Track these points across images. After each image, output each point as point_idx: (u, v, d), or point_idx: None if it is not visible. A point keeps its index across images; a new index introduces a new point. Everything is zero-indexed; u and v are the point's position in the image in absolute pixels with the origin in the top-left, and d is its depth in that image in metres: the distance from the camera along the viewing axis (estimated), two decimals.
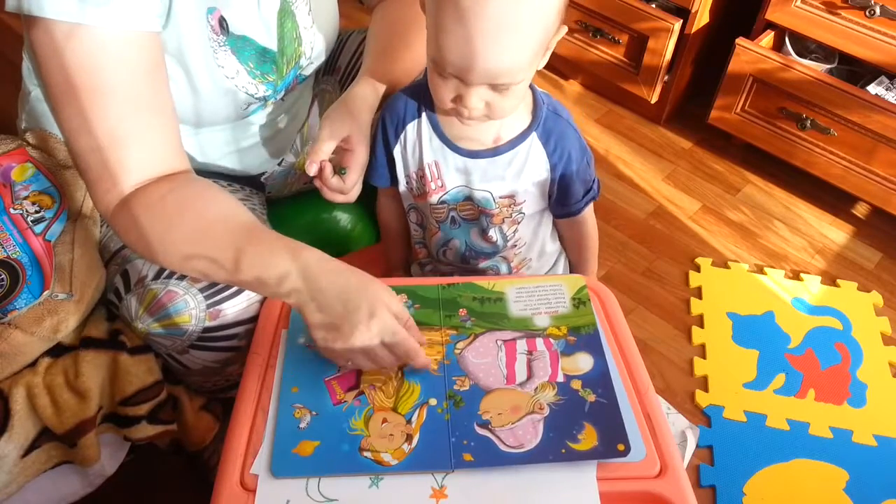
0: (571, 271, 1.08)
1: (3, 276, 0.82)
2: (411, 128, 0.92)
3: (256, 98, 0.93)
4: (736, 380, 1.36)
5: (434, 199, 0.95)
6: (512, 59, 0.76)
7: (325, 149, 0.88)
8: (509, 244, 0.98)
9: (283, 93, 0.98)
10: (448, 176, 0.93)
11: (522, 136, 0.90)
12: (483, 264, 1.01)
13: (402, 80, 0.98)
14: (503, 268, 1.02)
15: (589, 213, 0.99)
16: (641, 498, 0.71)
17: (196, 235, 0.77)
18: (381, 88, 0.96)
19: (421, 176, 0.94)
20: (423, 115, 0.91)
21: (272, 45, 0.91)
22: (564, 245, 1.07)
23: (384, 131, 0.94)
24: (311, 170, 0.88)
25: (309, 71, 1.01)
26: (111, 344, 0.87)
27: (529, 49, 0.76)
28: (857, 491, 1.21)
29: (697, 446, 1.26)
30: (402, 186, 0.98)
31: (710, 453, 1.26)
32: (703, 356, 1.40)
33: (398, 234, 1.07)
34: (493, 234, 0.96)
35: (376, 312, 0.73)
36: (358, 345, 0.73)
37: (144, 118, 0.77)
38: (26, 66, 0.97)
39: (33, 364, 0.84)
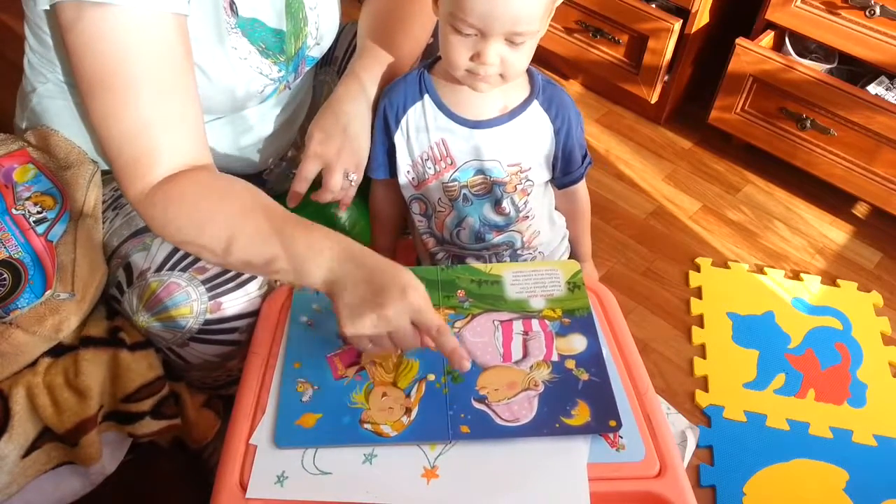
0: (572, 245, 1.12)
1: (5, 275, 0.83)
2: (413, 111, 0.94)
3: (271, 79, 0.94)
4: (736, 380, 1.36)
5: (446, 177, 0.96)
6: (532, 3, 0.80)
7: (310, 171, 0.92)
8: (521, 215, 1.00)
9: (293, 74, 0.99)
10: (456, 151, 0.95)
11: (526, 104, 0.94)
12: (497, 239, 1.02)
13: (393, 73, 0.99)
14: (517, 241, 1.03)
15: (584, 182, 1.04)
16: (641, 498, 0.71)
17: (234, 222, 0.78)
18: (372, 84, 0.97)
19: (428, 157, 0.95)
20: (426, 96, 0.93)
21: (281, 25, 0.93)
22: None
23: (384, 120, 0.95)
24: (291, 203, 0.93)
25: (315, 52, 1.02)
26: (111, 342, 0.87)
27: None
28: (857, 491, 1.21)
29: (697, 446, 1.26)
30: (403, 178, 0.99)
31: (710, 453, 1.26)
32: (703, 356, 1.40)
33: (390, 221, 1.10)
34: (506, 205, 0.98)
35: (407, 291, 0.73)
36: (391, 316, 0.72)
37: (177, 106, 0.78)
38: (30, 60, 0.95)
39: (33, 364, 0.84)
